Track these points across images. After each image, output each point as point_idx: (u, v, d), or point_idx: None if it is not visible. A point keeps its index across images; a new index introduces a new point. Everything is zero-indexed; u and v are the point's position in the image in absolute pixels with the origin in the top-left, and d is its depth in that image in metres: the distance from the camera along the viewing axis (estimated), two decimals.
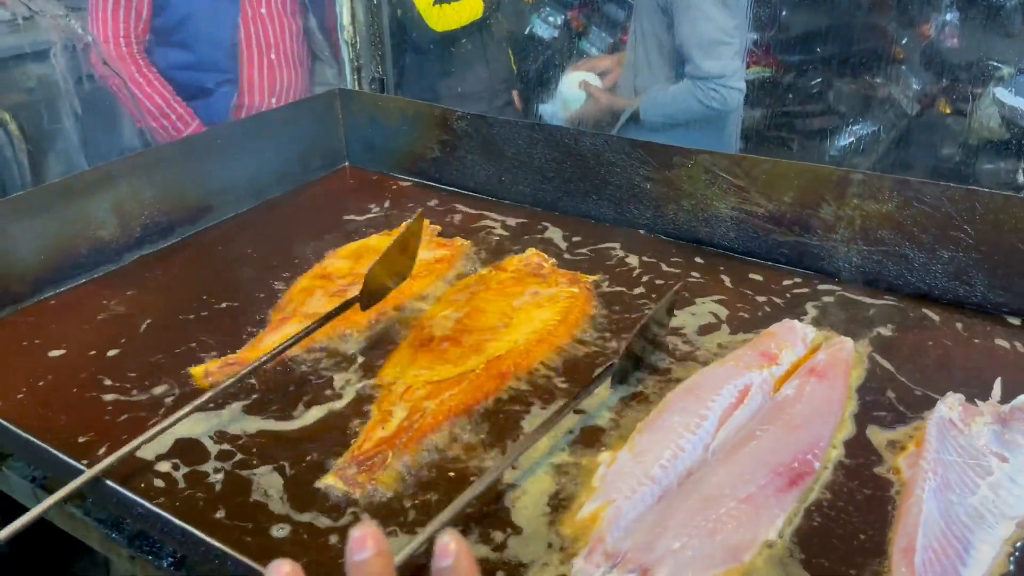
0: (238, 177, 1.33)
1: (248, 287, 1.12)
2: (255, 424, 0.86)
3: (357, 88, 1.63)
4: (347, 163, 1.51)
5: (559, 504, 0.74)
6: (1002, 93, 1.72)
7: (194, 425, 0.84)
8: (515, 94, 2.72)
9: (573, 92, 2.21)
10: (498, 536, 0.71)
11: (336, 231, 1.26)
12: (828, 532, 0.71)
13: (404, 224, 1.14)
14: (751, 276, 1.11)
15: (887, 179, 1.04)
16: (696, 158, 1.15)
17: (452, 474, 0.78)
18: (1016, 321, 0.99)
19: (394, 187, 1.42)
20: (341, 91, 1.46)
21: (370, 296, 0.95)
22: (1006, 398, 0.85)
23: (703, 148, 1.15)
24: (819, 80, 2.19)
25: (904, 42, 2.10)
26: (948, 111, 1.98)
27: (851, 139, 2.07)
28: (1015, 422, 0.83)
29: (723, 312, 1.03)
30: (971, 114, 1.85)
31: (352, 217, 1.31)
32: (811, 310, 1.03)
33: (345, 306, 0.96)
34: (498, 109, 2.61)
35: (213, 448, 0.82)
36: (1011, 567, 0.68)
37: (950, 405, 0.84)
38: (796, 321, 0.99)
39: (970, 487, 0.76)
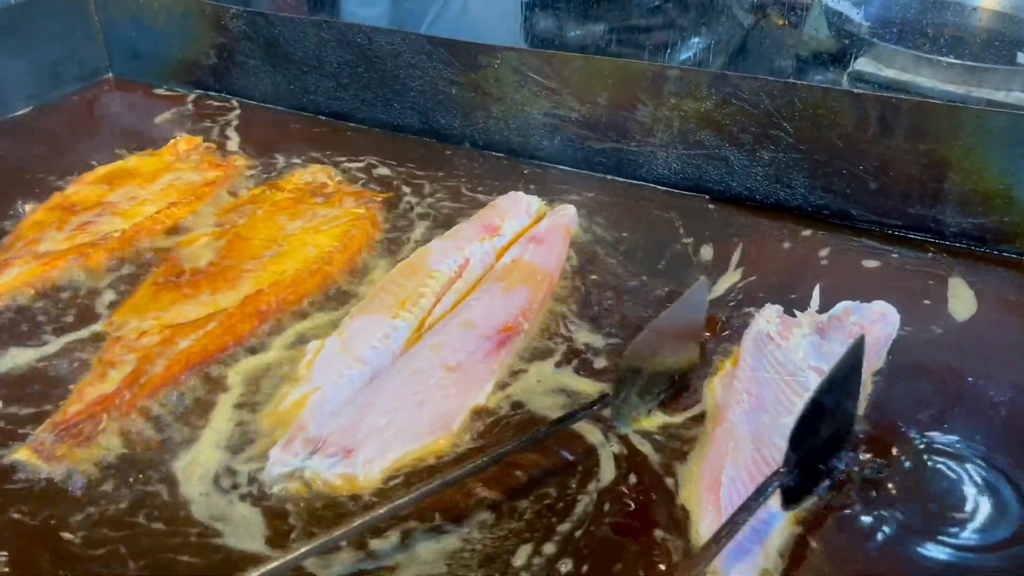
0: None
1: None
2: None
3: None
4: (110, 74, 1.28)
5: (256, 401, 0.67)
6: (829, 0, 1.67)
7: None
8: None
9: None
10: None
11: (96, 156, 1.06)
12: None
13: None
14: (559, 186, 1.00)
15: (704, 74, 0.94)
16: (502, 56, 1.02)
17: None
18: (836, 222, 0.93)
19: (167, 101, 1.22)
20: None
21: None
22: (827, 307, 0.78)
23: None
24: None
25: None
26: (781, 22, 1.93)
27: (690, 52, 1.99)
28: (833, 332, 0.75)
29: None
30: (802, 24, 1.80)
31: (112, 137, 1.11)
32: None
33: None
34: None
35: None
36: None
37: (767, 318, 0.76)
38: (520, 192, 0.94)
39: (786, 405, 0.68)
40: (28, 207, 0.94)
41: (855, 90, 0.89)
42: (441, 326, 0.74)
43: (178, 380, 0.68)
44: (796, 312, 0.78)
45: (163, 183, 0.98)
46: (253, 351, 0.73)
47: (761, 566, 0.55)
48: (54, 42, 1.20)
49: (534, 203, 0.93)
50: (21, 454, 0.61)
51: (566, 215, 0.91)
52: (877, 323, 0.76)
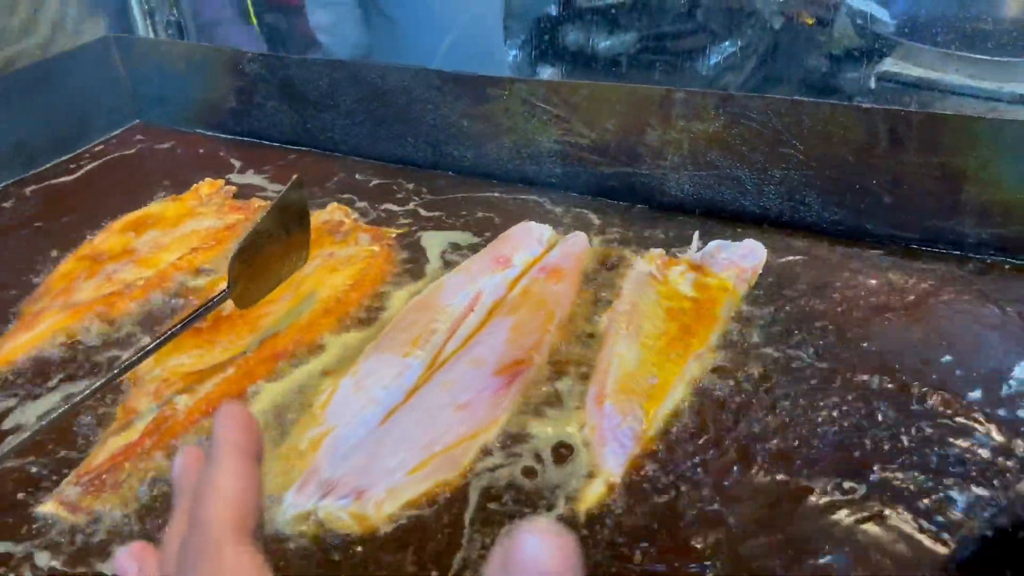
0: None
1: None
2: None
3: (153, 35, 1.44)
4: (138, 120, 1.33)
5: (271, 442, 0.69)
6: None
7: None
8: None
9: None
10: None
11: (125, 202, 1.09)
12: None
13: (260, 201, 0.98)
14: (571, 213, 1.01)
15: (711, 95, 0.94)
16: (511, 88, 1.03)
17: None
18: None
19: (191, 144, 1.25)
20: (117, 38, 1.27)
21: (244, 291, 0.76)
22: None
23: None
24: None
25: None
26: (811, 22, 1.90)
27: (719, 57, 1.97)
28: (707, 266, 0.85)
29: None
30: (832, 23, 1.77)
31: (140, 183, 1.15)
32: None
33: (206, 309, 0.74)
34: None
35: None
36: (692, 396, 0.70)
37: (649, 259, 0.86)
38: (532, 222, 0.95)
39: (663, 329, 0.77)
40: (58, 257, 0.98)
41: (863, 105, 0.88)
42: (452, 363, 0.75)
43: (199, 425, 0.70)
44: (677, 254, 0.89)
45: (185, 229, 1.00)
46: (267, 390, 0.74)
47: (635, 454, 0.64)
48: (82, 93, 1.25)
49: (546, 232, 0.94)
50: (48, 507, 0.64)
51: (577, 243, 0.91)
52: (745, 257, 0.86)
